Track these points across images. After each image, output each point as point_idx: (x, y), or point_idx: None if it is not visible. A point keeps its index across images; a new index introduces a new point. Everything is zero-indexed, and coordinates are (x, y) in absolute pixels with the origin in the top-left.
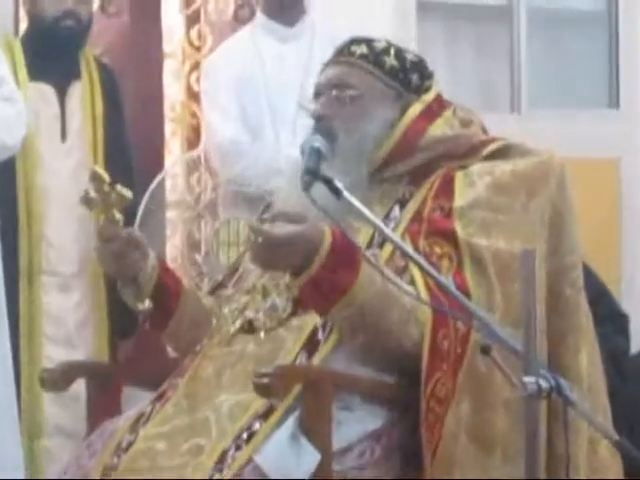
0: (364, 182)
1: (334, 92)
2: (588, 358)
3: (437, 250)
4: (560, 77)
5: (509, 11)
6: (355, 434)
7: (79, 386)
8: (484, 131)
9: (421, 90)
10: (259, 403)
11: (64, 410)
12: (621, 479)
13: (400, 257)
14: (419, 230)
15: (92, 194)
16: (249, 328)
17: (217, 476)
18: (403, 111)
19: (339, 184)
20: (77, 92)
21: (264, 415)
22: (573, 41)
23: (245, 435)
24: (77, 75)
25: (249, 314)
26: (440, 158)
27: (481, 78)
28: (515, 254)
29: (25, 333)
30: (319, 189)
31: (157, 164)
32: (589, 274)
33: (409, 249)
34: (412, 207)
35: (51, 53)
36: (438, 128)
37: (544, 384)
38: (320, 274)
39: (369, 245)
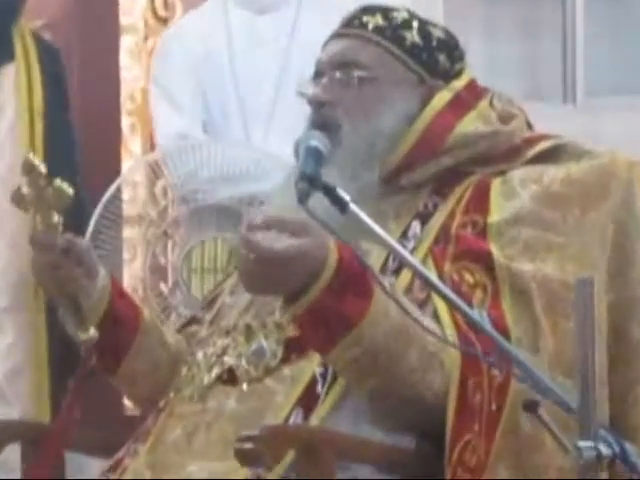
0: (375, 191)
1: (338, 73)
2: None
3: (468, 277)
4: (622, 61)
5: None
6: None
7: (12, 452)
8: (529, 127)
9: (449, 75)
10: (241, 474)
11: None
12: None
13: (421, 286)
14: (445, 252)
15: (25, 190)
16: (229, 378)
17: None
18: (426, 101)
19: (344, 194)
20: (9, 77)
21: None
22: (636, 20)
23: None
24: (9, 56)
25: (229, 360)
26: (472, 161)
27: (526, 62)
28: (568, 283)
29: None
30: (318, 201)
31: (112, 168)
32: None
33: (432, 276)
34: (436, 223)
35: None
36: (470, 123)
37: (605, 450)
38: (322, 301)
39: (382, 271)
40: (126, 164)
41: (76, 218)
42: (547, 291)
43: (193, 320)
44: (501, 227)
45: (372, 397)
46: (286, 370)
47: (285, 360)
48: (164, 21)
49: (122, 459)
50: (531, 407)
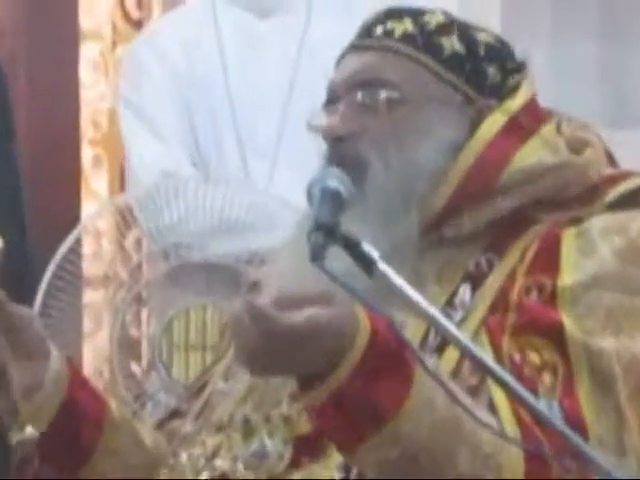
0: (412, 247)
1: (360, 95)
2: None
3: (533, 357)
4: None
5: None
6: None
7: None
8: (610, 160)
9: (502, 92)
10: None
11: None
12: None
13: (472, 369)
14: (503, 324)
15: None
16: None
17: None
18: (475, 126)
19: (371, 250)
20: None
21: None
22: None
23: None
24: None
25: (222, 464)
26: (537, 206)
27: (607, 78)
28: None
29: None
30: (337, 258)
31: (69, 214)
32: None
33: (486, 356)
34: (491, 287)
35: None
36: (531, 153)
37: None
38: (349, 387)
39: (422, 349)
40: (88, 208)
41: (17, 279)
42: (636, 376)
43: (175, 413)
44: (576, 292)
45: None
46: (296, 477)
47: (294, 464)
48: (137, 24)
49: None
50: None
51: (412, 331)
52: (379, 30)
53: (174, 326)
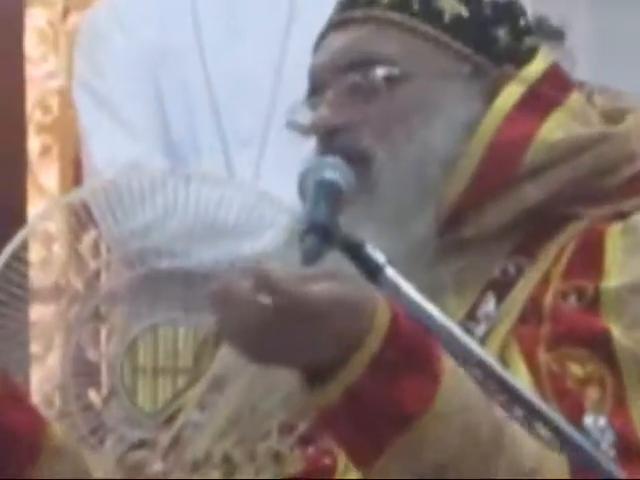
0: (428, 250)
1: (351, 76)
2: None
3: (575, 370)
4: None
5: None
6: None
7: None
8: None
9: (518, 57)
10: None
11: None
12: None
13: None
14: (537, 335)
15: None
16: None
17: None
18: (489, 100)
19: (377, 254)
20: None
21: None
22: None
23: None
24: None
25: None
26: (573, 198)
27: None
28: None
29: None
30: (335, 262)
31: (13, 213)
32: None
33: (513, 378)
34: (521, 295)
35: None
36: (558, 127)
37: None
38: (369, 380)
39: None
40: (35, 207)
41: None
42: None
43: (141, 447)
44: (623, 296)
45: None
46: None
47: None
48: None
49: None
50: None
51: None
52: None
53: (139, 346)
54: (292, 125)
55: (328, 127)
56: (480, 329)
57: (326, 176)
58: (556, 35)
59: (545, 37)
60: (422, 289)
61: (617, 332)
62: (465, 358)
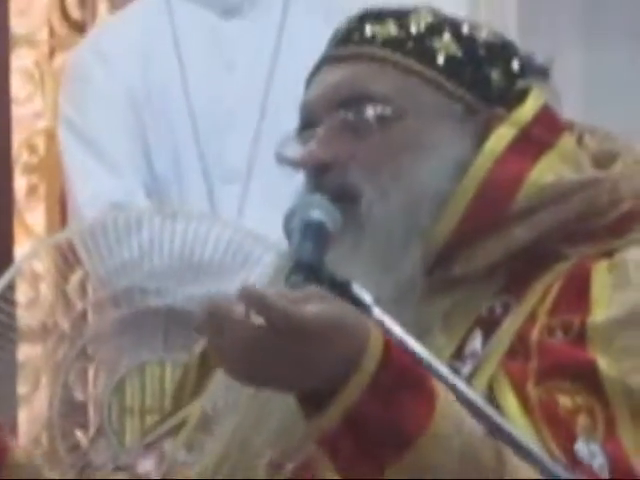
0: (415, 290)
1: (342, 113)
2: None
3: (564, 401)
4: None
5: None
6: None
7: None
8: None
9: (510, 99)
10: None
11: None
12: None
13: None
14: (525, 369)
15: None
16: None
17: None
18: (479, 141)
19: (363, 293)
20: None
21: None
22: None
23: None
24: None
25: None
26: (560, 237)
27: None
28: None
29: None
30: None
31: None
32: None
33: (501, 418)
34: (508, 332)
35: None
36: (549, 170)
37: None
38: (368, 401)
39: None
40: (22, 247)
41: None
42: None
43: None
44: (609, 330)
45: None
46: None
47: None
48: (79, 27)
49: None
50: None
51: None
52: (357, 36)
53: (126, 386)
54: (281, 159)
55: (318, 163)
56: (467, 368)
57: (312, 215)
58: (543, 73)
59: (532, 75)
60: (409, 328)
61: (604, 364)
62: (455, 395)
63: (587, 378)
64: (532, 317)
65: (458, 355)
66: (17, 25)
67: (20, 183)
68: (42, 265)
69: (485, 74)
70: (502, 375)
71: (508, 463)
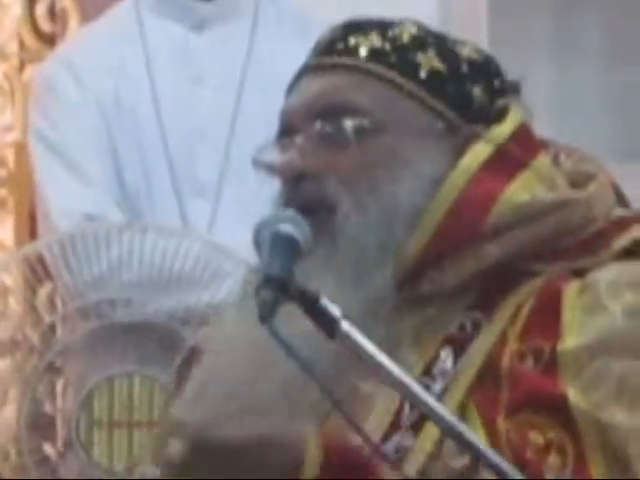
0: (384, 304)
1: (319, 124)
2: None
3: (535, 437)
4: None
5: None
6: None
7: None
8: (619, 197)
9: (489, 116)
10: None
11: None
12: None
13: (455, 450)
14: (496, 400)
15: None
16: None
17: None
18: (457, 158)
19: (332, 307)
20: None
21: None
22: None
23: None
24: None
25: None
26: (531, 254)
27: (615, 102)
28: None
29: None
30: (291, 316)
31: None
32: None
33: (472, 434)
34: (478, 353)
35: None
36: (524, 189)
37: None
38: None
39: (393, 427)
40: None
41: None
42: None
43: None
44: (580, 358)
45: None
46: None
47: None
48: (49, 40)
49: None
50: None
51: (382, 406)
52: (340, 46)
53: (95, 399)
54: (259, 164)
55: (295, 172)
56: (437, 386)
57: (282, 229)
58: (513, 90)
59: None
60: (379, 344)
61: (574, 396)
62: (423, 414)
63: (558, 412)
64: (503, 339)
65: (427, 373)
66: None
67: None
68: (11, 278)
69: (467, 91)
70: (472, 406)
71: None
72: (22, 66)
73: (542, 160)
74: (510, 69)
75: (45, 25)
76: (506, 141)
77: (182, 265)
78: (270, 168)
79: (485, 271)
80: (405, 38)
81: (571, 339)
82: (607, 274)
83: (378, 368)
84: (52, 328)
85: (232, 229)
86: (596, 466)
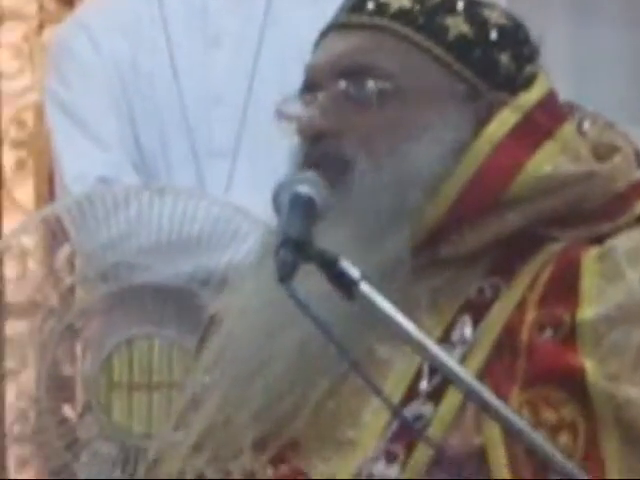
0: (403, 268)
1: (345, 84)
2: None
3: (548, 415)
4: None
5: None
6: None
7: None
8: None
9: (515, 84)
10: None
11: None
12: None
13: (475, 427)
14: (512, 373)
15: None
16: None
17: None
18: (480, 124)
19: (351, 268)
20: None
21: None
22: None
23: None
24: None
25: None
26: (551, 221)
27: (635, 66)
28: None
29: None
30: (309, 278)
31: None
32: None
33: (495, 399)
34: (497, 320)
35: None
36: (548, 159)
37: None
38: None
39: (411, 394)
40: (10, 222)
41: None
42: None
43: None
44: (599, 328)
45: None
46: None
47: None
48: (68, 2)
49: None
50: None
51: (400, 371)
52: (370, 5)
53: (114, 361)
54: (281, 115)
55: (315, 130)
56: (455, 353)
57: (301, 191)
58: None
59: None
60: (399, 305)
61: (591, 368)
62: (442, 375)
63: (574, 387)
64: (521, 307)
65: (446, 339)
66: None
67: (8, 158)
68: (30, 240)
69: (494, 57)
70: (486, 377)
71: None
72: (41, 28)
73: (567, 129)
74: (529, 26)
75: None
76: (533, 109)
77: (201, 226)
78: (292, 120)
79: (504, 237)
80: (435, 0)
81: (590, 308)
82: (626, 241)
83: (396, 328)
84: (71, 290)
85: (249, 190)
86: (609, 445)
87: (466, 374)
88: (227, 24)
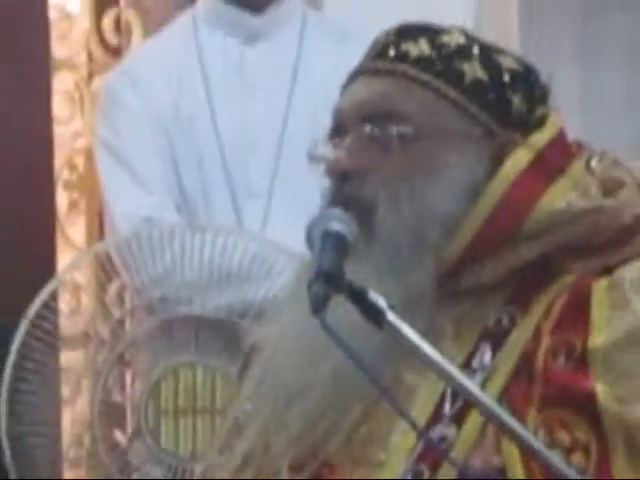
0: (427, 300)
1: (368, 128)
2: None
3: (562, 436)
4: None
5: None
6: None
7: None
8: None
9: (528, 124)
10: None
11: None
12: None
13: (496, 447)
14: (529, 395)
15: None
16: None
17: None
18: (496, 163)
19: (379, 299)
20: None
21: None
22: None
23: None
24: None
25: None
26: (564, 253)
27: (638, 101)
28: None
29: None
30: (339, 309)
31: (42, 266)
32: None
33: (515, 423)
34: (514, 348)
35: None
36: (560, 195)
37: None
38: None
39: (435, 418)
40: (64, 259)
41: None
42: None
43: None
44: (609, 354)
45: None
46: None
47: None
48: (116, 52)
49: None
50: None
51: (425, 396)
52: (391, 52)
53: (161, 389)
54: (313, 157)
55: (341, 170)
56: (476, 379)
57: (332, 227)
58: (547, 93)
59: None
60: (424, 334)
61: (602, 392)
62: (465, 399)
63: (587, 410)
64: (537, 335)
65: (467, 365)
66: (58, 50)
67: (62, 199)
68: (83, 276)
69: (507, 99)
70: (504, 400)
71: None
72: (90, 76)
73: (577, 166)
74: (539, 69)
75: (111, 38)
76: (545, 148)
77: (240, 262)
78: (322, 161)
79: (520, 269)
80: (452, 46)
81: (600, 335)
82: (632, 271)
83: (421, 356)
84: (121, 323)
85: (283, 228)
86: (617, 465)
87: (486, 398)
88: (261, 74)
